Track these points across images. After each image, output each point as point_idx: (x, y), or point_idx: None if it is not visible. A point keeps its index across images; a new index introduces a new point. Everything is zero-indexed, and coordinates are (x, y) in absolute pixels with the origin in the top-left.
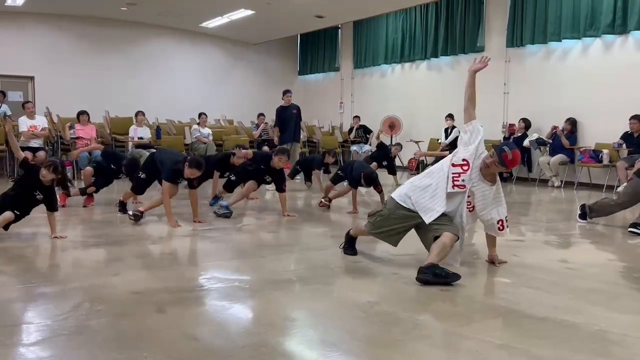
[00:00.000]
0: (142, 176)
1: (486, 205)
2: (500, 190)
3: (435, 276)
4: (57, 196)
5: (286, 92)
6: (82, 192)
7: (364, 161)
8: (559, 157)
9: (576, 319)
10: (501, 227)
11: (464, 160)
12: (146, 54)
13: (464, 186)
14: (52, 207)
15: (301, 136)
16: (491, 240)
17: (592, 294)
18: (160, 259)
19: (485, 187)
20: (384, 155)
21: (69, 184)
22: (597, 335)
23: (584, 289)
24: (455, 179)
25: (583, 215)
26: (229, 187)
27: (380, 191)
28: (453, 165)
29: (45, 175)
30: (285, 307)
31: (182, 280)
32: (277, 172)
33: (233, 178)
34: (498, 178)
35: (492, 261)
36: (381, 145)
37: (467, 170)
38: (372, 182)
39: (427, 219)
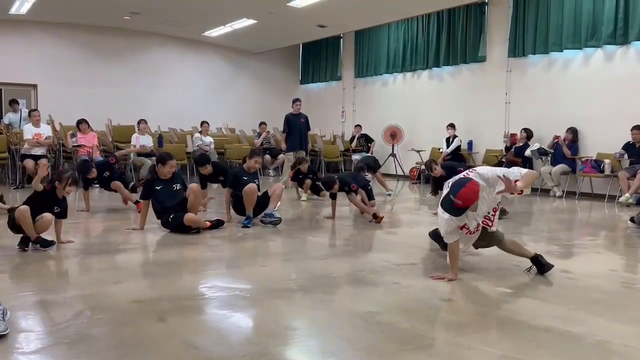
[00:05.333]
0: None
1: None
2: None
3: None
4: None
5: (295, 101)
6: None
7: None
8: (561, 166)
9: (578, 329)
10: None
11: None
12: (149, 62)
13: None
14: (64, 215)
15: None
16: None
17: (594, 304)
18: (161, 267)
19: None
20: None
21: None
22: (598, 345)
23: (586, 299)
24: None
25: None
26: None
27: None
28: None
29: (70, 191)
30: (286, 316)
31: (183, 288)
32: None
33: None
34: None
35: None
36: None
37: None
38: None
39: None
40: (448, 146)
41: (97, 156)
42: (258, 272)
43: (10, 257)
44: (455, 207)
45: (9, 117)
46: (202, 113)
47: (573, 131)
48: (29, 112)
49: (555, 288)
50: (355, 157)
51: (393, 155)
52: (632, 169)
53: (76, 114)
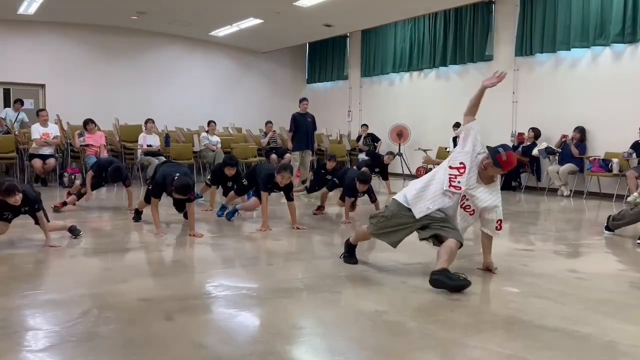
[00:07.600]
0: (244, 182)
1: (487, 204)
2: (499, 191)
3: (448, 279)
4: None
5: (302, 100)
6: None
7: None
8: (568, 166)
9: (586, 329)
10: (499, 227)
11: (461, 163)
12: (156, 62)
13: (460, 187)
14: (34, 209)
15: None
16: (487, 247)
17: (602, 304)
18: (168, 266)
19: (484, 188)
20: (377, 163)
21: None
22: (607, 346)
23: (594, 300)
24: (451, 179)
25: (608, 227)
26: (241, 192)
27: (374, 200)
28: (450, 167)
29: (16, 201)
30: (293, 315)
31: (190, 287)
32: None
33: (245, 182)
34: (497, 178)
35: (489, 268)
36: (373, 154)
37: (463, 172)
38: (366, 182)
39: (417, 213)
40: (455, 145)
41: (105, 156)
42: (265, 271)
43: (17, 257)
44: (497, 159)
45: (6, 111)
46: (208, 112)
47: (581, 130)
48: (37, 112)
49: (563, 288)
50: (362, 156)
51: (400, 154)
52: None
53: (84, 113)
